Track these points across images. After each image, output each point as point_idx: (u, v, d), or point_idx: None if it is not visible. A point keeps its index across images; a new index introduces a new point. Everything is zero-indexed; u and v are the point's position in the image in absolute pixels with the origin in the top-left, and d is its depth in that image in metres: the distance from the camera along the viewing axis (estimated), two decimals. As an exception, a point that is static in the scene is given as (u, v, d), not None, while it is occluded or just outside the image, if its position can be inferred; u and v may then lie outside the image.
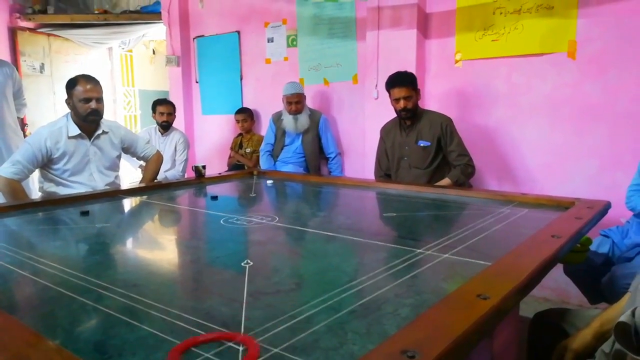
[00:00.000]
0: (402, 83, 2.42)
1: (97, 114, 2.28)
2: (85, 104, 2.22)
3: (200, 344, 0.73)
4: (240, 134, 3.77)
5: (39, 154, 2.18)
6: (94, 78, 2.30)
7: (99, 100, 2.27)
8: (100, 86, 2.31)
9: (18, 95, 3.24)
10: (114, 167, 2.46)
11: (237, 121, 3.70)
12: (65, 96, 2.29)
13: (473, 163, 2.47)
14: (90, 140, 2.31)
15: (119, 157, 2.49)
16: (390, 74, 2.55)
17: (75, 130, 2.25)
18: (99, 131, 2.34)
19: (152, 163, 2.59)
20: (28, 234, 1.56)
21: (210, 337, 0.75)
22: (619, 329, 0.79)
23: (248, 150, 3.66)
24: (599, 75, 2.40)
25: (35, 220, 1.70)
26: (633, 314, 0.80)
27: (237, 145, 3.75)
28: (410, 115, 2.47)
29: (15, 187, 2.13)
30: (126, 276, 1.10)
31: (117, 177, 2.48)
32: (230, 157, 3.78)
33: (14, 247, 1.33)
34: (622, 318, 0.80)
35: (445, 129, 2.46)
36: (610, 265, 1.81)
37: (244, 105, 3.91)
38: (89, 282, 1.03)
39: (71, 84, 2.25)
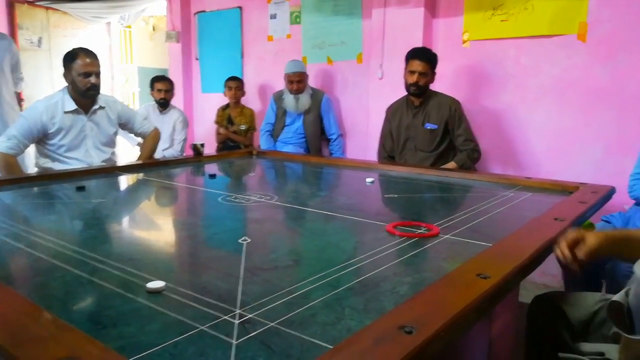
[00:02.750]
0: (423, 58, 2.37)
1: (96, 89, 2.24)
2: (85, 79, 2.18)
3: (403, 225, 1.24)
4: (227, 106, 3.54)
5: (35, 129, 2.15)
6: (93, 52, 2.26)
7: (98, 75, 2.24)
8: (99, 61, 2.27)
9: (16, 69, 3.19)
10: (111, 143, 2.43)
11: (230, 88, 3.43)
12: (63, 70, 2.24)
13: (479, 149, 2.43)
14: (86, 115, 2.28)
15: (115, 133, 2.45)
16: (396, 53, 2.50)
17: (71, 105, 2.22)
18: (96, 106, 2.30)
19: (150, 140, 2.56)
20: (24, 208, 1.55)
21: (409, 223, 1.27)
22: (613, 308, 0.78)
23: (243, 127, 3.48)
24: (609, 58, 2.34)
25: (31, 195, 1.68)
26: (627, 293, 0.78)
27: (226, 120, 3.53)
28: (418, 92, 2.42)
29: (10, 161, 2.11)
30: (122, 250, 1.09)
31: (113, 153, 2.45)
32: (218, 133, 3.55)
33: (10, 220, 1.32)
34: (616, 297, 0.78)
35: (453, 112, 2.41)
36: None
37: (245, 83, 3.85)
38: (84, 255, 1.02)
39: (70, 58, 2.20)
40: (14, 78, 3.18)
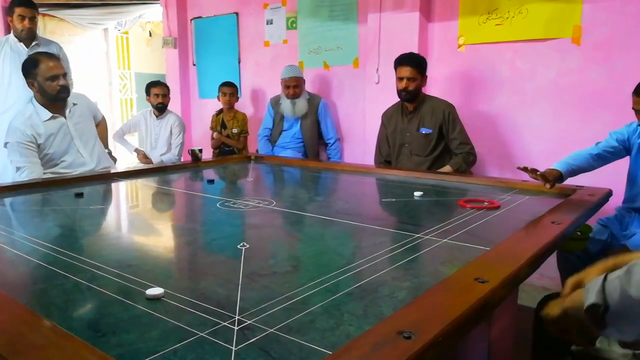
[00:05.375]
0: (409, 63, 2.38)
1: (67, 91, 2.20)
2: (53, 82, 2.12)
3: (472, 202, 1.56)
4: (220, 111, 3.56)
5: (27, 142, 2.10)
6: (54, 55, 2.23)
7: (65, 75, 2.19)
8: (60, 61, 2.24)
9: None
10: (94, 135, 2.41)
11: (224, 94, 3.43)
12: (25, 79, 2.17)
13: (475, 151, 2.45)
14: (65, 117, 2.24)
15: (93, 123, 2.45)
16: (391, 57, 2.51)
17: (46, 114, 2.16)
18: (70, 106, 2.27)
19: (104, 130, 2.60)
20: (22, 215, 1.55)
21: (475, 199, 1.60)
22: (590, 311, 0.76)
23: (235, 131, 3.47)
24: (604, 61, 2.36)
25: (30, 202, 1.68)
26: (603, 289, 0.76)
27: (220, 125, 3.54)
28: (409, 98, 2.44)
29: None
30: (120, 257, 1.09)
31: (96, 139, 2.43)
32: (212, 138, 3.56)
33: (8, 227, 1.31)
34: (591, 299, 0.75)
35: (447, 116, 2.43)
36: (606, 255, 1.80)
37: (242, 89, 3.86)
38: (83, 262, 1.02)
39: (32, 64, 2.13)
40: None
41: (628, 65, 2.30)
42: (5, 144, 2.15)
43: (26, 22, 2.74)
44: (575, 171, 1.75)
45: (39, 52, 2.23)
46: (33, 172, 2.10)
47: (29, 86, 2.19)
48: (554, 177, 1.68)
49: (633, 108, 1.75)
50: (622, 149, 1.80)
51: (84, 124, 2.32)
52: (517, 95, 2.64)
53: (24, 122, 2.12)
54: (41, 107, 2.17)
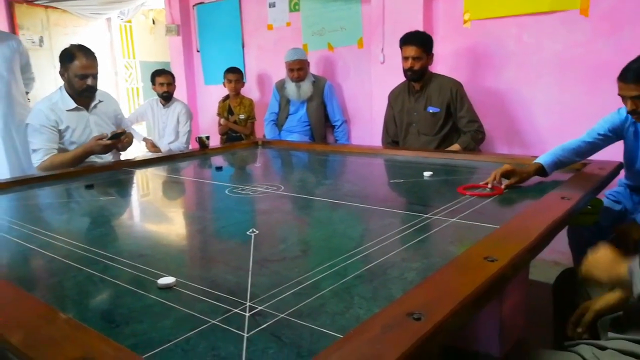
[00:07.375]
0: (414, 42, 2.34)
1: (92, 91, 2.23)
2: (81, 80, 2.16)
3: (472, 188, 1.47)
4: (226, 97, 3.56)
5: (49, 127, 2.13)
6: (91, 52, 2.23)
7: (95, 76, 2.22)
8: (96, 60, 2.24)
9: (26, 69, 3.10)
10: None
11: (230, 81, 3.43)
12: (59, 67, 2.20)
13: (483, 129, 2.41)
14: (88, 111, 2.27)
15: (115, 125, 2.45)
16: (396, 36, 2.46)
17: (71, 103, 2.21)
18: (95, 101, 2.30)
19: None
20: (34, 208, 1.57)
21: (477, 185, 1.49)
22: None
23: (242, 116, 3.47)
24: (613, 33, 2.29)
25: (41, 195, 1.70)
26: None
27: (226, 111, 3.54)
28: (415, 77, 2.40)
29: (53, 160, 2.11)
30: (132, 247, 1.10)
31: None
32: (219, 124, 3.57)
33: (20, 221, 1.34)
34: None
35: (455, 94, 2.39)
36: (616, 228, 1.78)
37: (247, 74, 3.84)
38: (95, 253, 1.03)
39: (68, 57, 2.16)
40: (25, 79, 3.10)
41: (636, 36, 2.23)
42: (27, 125, 2.19)
43: None
44: (563, 162, 1.62)
45: (79, 46, 2.21)
46: (48, 154, 2.12)
47: (60, 74, 2.22)
48: (522, 174, 1.50)
49: (619, 94, 1.53)
50: (613, 137, 1.71)
51: (105, 122, 2.34)
52: (524, 70, 2.58)
53: (49, 106, 2.17)
54: (68, 96, 2.21)
